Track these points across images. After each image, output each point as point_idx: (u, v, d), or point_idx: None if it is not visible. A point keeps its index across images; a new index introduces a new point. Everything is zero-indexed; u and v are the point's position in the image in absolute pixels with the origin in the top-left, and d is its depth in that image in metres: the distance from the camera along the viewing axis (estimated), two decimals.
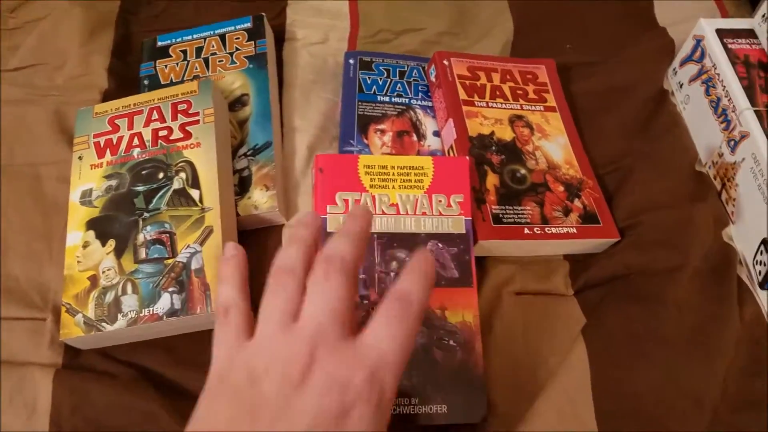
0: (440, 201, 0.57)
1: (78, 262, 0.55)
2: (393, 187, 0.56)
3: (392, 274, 0.54)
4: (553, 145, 0.65)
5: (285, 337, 0.33)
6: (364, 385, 0.31)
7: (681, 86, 0.72)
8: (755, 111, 0.61)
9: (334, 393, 0.31)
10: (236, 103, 0.66)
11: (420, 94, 0.70)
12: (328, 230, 0.54)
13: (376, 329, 0.33)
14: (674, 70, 0.73)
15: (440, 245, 0.55)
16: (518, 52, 0.76)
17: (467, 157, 0.59)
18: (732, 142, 0.62)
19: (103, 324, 0.52)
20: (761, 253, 0.58)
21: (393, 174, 0.57)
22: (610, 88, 0.72)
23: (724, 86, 0.64)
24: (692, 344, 0.54)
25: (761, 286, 0.58)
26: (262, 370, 0.32)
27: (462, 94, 0.66)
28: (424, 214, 0.56)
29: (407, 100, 0.69)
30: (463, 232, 0.56)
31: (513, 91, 0.69)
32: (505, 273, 0.59)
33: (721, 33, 0.67)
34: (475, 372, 0.52)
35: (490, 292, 0.58)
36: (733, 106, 0.62)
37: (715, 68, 0.66)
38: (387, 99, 0.68)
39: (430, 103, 0.69)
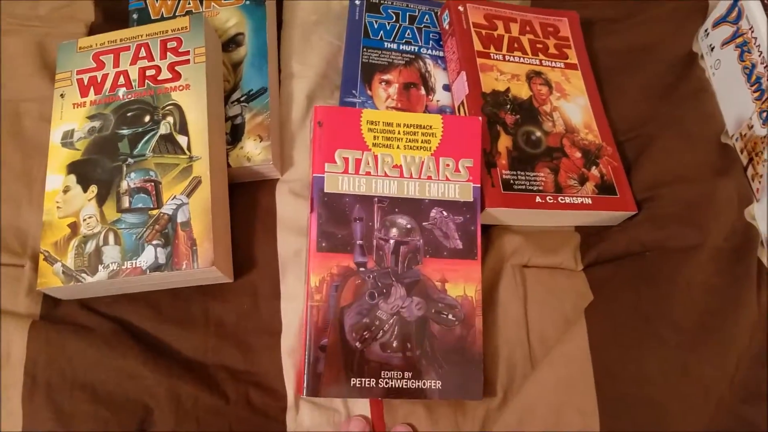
0: (448, 165, 0.53)
1: (58, 207, 0.52)
2: (398, 147, 0.52)
3: (391, 241, 0.50)
4: (573, 106, 0.61)
5: None
6: None
7: (712, 49, 0.67)
8: None
9: None
10: (230, 43, 0.61)
11: (431, 42, 0.65)
12: (325, 191, 0.50)
13: None
14: (706, 31, 0.68)
15: (445, 213, 0.51)
16: (539, 1, 0.71)
17: (480, 118, 0.55)
18: (764, 114, 0.58)
19: (83, 275, 0.49)
20: None
21: (399, 132, 0.53)
22: (634, 48, 0.67)
23: (761, 52, 0.59)
24: (705, 329, 0.51)
25: None
26: None
27: (477, 45, 0.61)
28: (429, 178, 0.52)
29: (416, 48, 0.64)
30: (471, 200, 0.52)
31: (532, 44, 0.64)
32: (511, 243, 0.55)
33: None
34: (473, 349, 0.49)
35: (494, 263, 0.55)
36: None
37: (753, 31, 0.61)
38: (395, 46, 0.63)
39: (441, 53, 0.64)
